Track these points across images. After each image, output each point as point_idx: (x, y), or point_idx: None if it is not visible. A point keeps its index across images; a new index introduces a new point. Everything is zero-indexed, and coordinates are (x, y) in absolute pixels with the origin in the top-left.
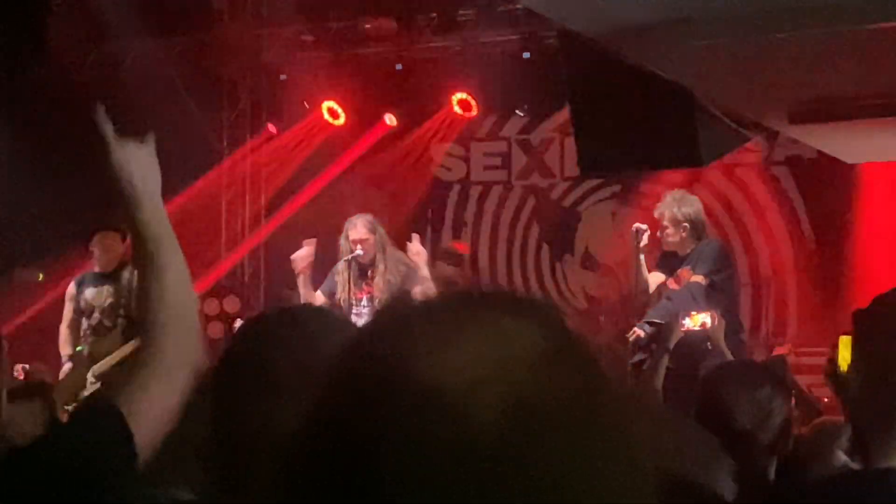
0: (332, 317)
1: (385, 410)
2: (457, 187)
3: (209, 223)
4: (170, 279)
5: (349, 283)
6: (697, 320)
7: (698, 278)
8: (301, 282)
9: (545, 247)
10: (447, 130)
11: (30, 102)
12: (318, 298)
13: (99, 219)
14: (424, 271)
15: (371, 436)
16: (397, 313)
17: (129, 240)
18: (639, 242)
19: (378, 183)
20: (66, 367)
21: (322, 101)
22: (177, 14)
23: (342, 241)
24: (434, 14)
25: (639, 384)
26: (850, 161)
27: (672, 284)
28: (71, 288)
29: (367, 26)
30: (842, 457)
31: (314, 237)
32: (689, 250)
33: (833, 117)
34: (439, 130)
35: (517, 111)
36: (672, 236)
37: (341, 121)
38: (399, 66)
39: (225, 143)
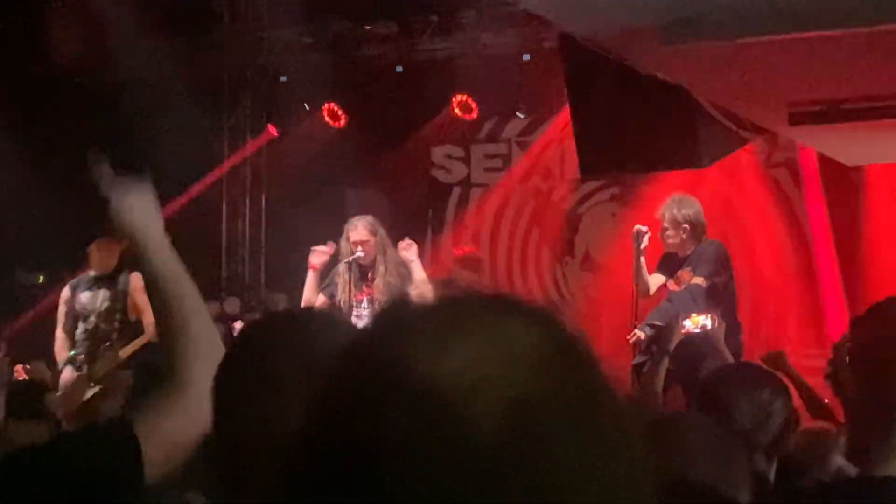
0: (334, 319)
1: (385, 413)
2: (457, 189)
3: (210, 225)
4: (187, 310)
5: (349, 284)
6: (697, 322)
7: (698, 280)
8: (309, 278)
9: (545, 249)
10: (447, 132)
11: (30, 104)
12: (319, 300)
13: (96, 226)
14: (420, 273)
15: (372, 438)
16: (396, 316)
17: (124, 244)
18: (639, 244)
19: (378, 185)
20: (66, 371)
21: (322, 104)
22: (177, 16)
23: (342, 242)
24: (434, 16)
25: (639, 386)
26: (850, 163)
27: (672, 286)
28: (65, 292)
29: (368, 28)
30: (839, 460)
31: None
32: (689, 252)
33: (833, 120)
34: (439, 132)
35: (517, 113)
36: (672, 238)
37: (342, 123)
38: (399, 68)
39: (225, 145)
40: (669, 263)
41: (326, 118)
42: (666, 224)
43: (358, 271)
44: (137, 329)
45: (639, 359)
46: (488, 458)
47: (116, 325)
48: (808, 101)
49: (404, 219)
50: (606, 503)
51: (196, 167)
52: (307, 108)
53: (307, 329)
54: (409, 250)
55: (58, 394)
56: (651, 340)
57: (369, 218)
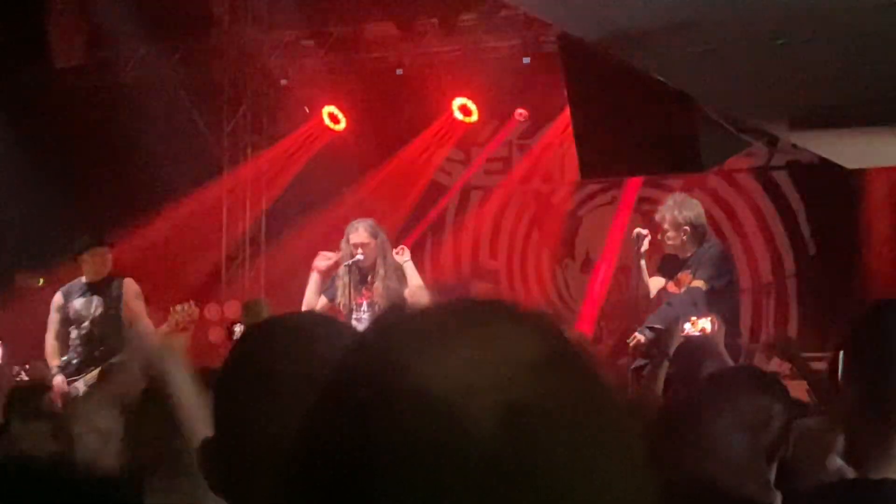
0: (334, 324)
1: (382, 418)
2: (457, 191)
3: (210, 227)
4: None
5: (349, 287)
6: (698, 325)
7: (699, 283)
8: (312, 281)
9: (546, 251)
10: (448, 135)
11: (31, 108)
12: (320, 302)
13: (88, 235)
14: (416, 279)
15: (369, 443)
16: (393, 321)
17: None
18: (639, 247)
19: (379, 188)
20: (58, 377)
21: (323, 107)
22: (177, 20)
23: (343, 244)
24: (435, 19)
25: (639, 389)
26: (850, 166)
27: (672, 288)
28: (57, 298)
29: (368, 32)
30: (837, 461)
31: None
32: (689, 254)
33: (834, 123)
34: (440, 135)
35: (517, 116)
36: (673, 240)
37: (342, 126)
38: (400, 71)
39: (226, 148)
40: (670, 265)
41: (326, 121)
42: (666, 226)
43: (358, 274)
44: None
45: (638, 362)
46: (486, 464)
47: (111, 331)
48: (809, 105)
49: (405, 222)
50: None
51: (196, 170)
52: (307, 111)
53: (307, 333)
54: (402, 255)
55: (73, 409)
56: (651, 343)
57: (370, 221)
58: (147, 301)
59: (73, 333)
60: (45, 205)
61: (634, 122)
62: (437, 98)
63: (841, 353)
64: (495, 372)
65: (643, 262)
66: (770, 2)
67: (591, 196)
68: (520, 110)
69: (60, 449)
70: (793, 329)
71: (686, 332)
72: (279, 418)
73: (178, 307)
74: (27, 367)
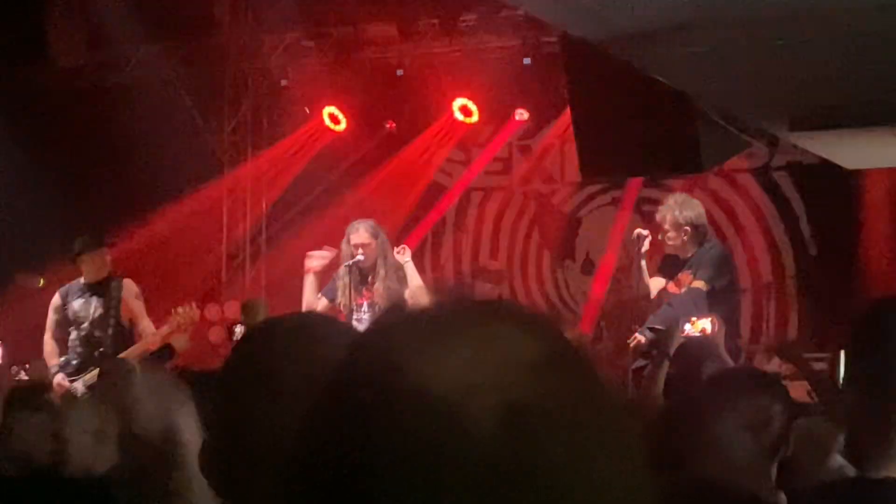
0: (334, 324)
1: (383, 419)
2: (458, 192)
3: (211, 228)
4: None
5: (350, 288)
6: (698, 326)
7: (699, 284)
8: (307, 282)
9: (546, 252)
10: (448, 135)
11: (31, 108)
12: (321, 303)
13: (87, 236)
14: (416, 279)
15: (369, 444)
16: (393, 321)
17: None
18: (640, 248)
19: (379, 188)
20: (57, 377)
21: (323, 107)
22: (178, 20)
23: (344, 245)
24: (435, 20)
25: (639, 390)
26: (850, 167)
27: (672, 288)
28: (56, 299)
29: (368, 32)
30: (839, 460)
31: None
32: (690, 254)
33: (834, 124)
34: (440, 136)
35: (518, 116)
36: (673, 240)
37: (342, 127)
38: (400, 72)
39: (226, 149)
40: (670, 265)
41: (327, 122)
42: (667, 226)
43: (358, 275)
44: (131, 335)
45: (639, 362)
46: (487, 464)
47: (110, 331)
48: (809, 106)
49: (405, 222)
50: None
51: (197, 170)
52: (308, 111)
53: (308, 334)
54: (403, 255)
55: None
56: (651, 344)
57: (371, 221)
58: (147, 301)
59: (73, 334)
60: (45, 205)
61: (635, 122)
62: (438, 99)
63: (842, 352)
64: (495, 372)
65: (643, 263)
66: (770, 2)
67: (592, 197)
68: (520, 111)
69: (61, 449)
70: (793, 329)
71: (686, 332)
72: (280, 419)
73: (180, 309)
74: (27, 366)
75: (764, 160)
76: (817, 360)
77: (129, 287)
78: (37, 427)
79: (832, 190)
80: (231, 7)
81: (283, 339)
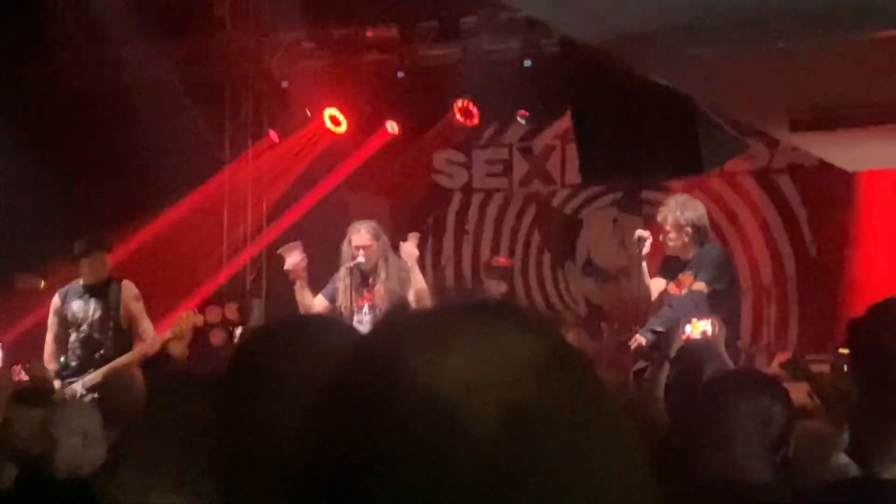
0: (337, 326)
1: (385, 421)
2: (458, 194)
3: (211, 230)
4: None
5: (350, 289)
6: (699, 328)
7: (700, 286)
8: (298, 288)
9: (546, 254)
10: (449, 138)
11: (31, 109)
12: (319, 303)
13: (86, 238)
14: (420, 282)
15: (371, 446)
16: (395, 324)
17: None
18: (641, 249)
19: (380, 190)
20: (55, 382)
21: (324, 109)
22: (179, 21)
23: (344, 246)
24: (436, 22)
25: (640, 392)
26: (849, 168)
27: (673, 289)
28: (56, 301)
29: (369, 34)
30: (842, 460)
31: (298, 242)
32: (691, 255)
33: (834, 125)
34: (441, 138)
35: (518, 118)
36: (674, 241)
37: (343, 128)
38: (401, 74)
39: (227, 150)
40: (671, 267)
41: (328, 123)
42: (668, 227)
43: (359, 276)
44: (130, 337)
45: (640, 364)
46: (489, 465)
47: (110, 333)
48: (809, 107)
49: (405, 224)
50: None
51: (197, 172)
52: (308, 113)
53: (310, 335)
54: (410, 258)
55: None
56: (652, 346)
57: (372, 223)
58: (147, 303)
59: (72, 336)
60: (45, 206)
61: (635, 124)
62: (438, 101)
63: (843, 353)
64: (496, 374)
65: (644, 265)
66: (771, 4)
67: (592, 198)
68: (521, 113)
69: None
70: (793, 331)
71: (687, 334)
72: (283, 420)
73: (183, 314)
74: (27, 367)
75: (764, 162)
76: (818, 361)
77: (129, 289)
78: (39, 427)
79: (832, 191)
80: (232, 8)
81: (285, 341)
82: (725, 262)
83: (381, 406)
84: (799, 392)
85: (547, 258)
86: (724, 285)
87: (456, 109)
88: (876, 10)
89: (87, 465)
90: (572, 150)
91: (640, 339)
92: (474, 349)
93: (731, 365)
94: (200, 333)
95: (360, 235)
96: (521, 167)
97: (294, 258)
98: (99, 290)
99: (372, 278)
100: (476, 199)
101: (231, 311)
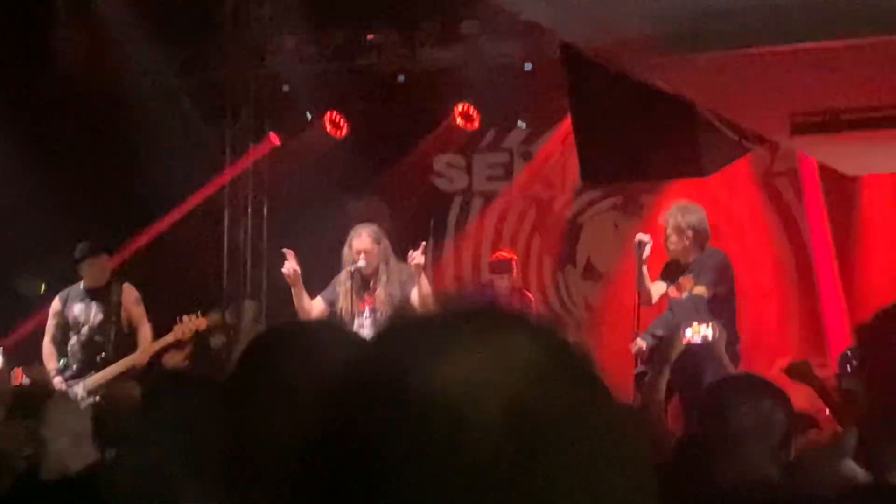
0: (340, 331)
1: (390, 426)
2: (458, 198)
3: (211, 233)
4: None
5: (351, 293)
6: (699, 332)
7: (700, 290)
8: (295, 293)
9: (547, 258)
10: (449, 141)
11: (32, 114)
12: (318, 306)
13: (88, 242)
14: (426, 287)
15: (376, 451)
16: (400, 329)
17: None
18: (641, 253)
19: (380, 193)
20: (56, 381)
21: (324, 112)
22: (179, 24)
23: (345, 249)
24: (437, 26)
25: (641, 396)
26: (850, 173)
27: (673, 293)
28: (56, 303)
29: (370, 37)
30: (851, 466)
31: (291, 249)
32: (691, 259)
33: (835, 129)
34: (441, 141)
35: (519, 122)
36: (675, 245)
37: (343, 132)
38: (401, 78)
39: (227, 154)
40: (672, 271)
41: (328, 127)
42: (669, 231)
43: (360, 280)
44: (131, 340)
45: (640, 368)
46: (492, 470)
47: (111, 336)
48: (810, 111)
49: (405, 227)
50: None
51: (198, 176)
52: (309, 117)
53: (315, 340)
54: (418, 254)
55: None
56: (653, 350)
57: (373, 227)
58: (147, 306)
59: (73, 339)
60: (46, 210)
61: (636, 128)
62: (439, 105)
63: (846, 355)
64: (502, 379)
65: (645, 269)
66: (771, 7)
67: (593, 202)
68: (521, 118)
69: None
70: (794, 335)
71: (687, 338)
72: (288, 424)
73: (185, 317)
74: (28, 370)
75: (765, 166)
76: (820, 366)
77: (130, 292)
78: (38, 429)
79: (833, 195)
80: (233, 13)
81: (290, 345)
82: (726, 266)
83: (385, 411)
84: (801, 396)
85: (547, 262)
86: (725, 289)
87: (456, 113)
88: (879, 14)
89: (77, 465)
90: (573, 155)
91: (640, 343)
92: (479, 353)
93: (731, 369)
94: (201, 337)
95: (361, 239)
96: (521, 171)
97: (289, 266)
98: (100, 293)
99: (373, 282)
100: (476, 203)
101: (231, 314)
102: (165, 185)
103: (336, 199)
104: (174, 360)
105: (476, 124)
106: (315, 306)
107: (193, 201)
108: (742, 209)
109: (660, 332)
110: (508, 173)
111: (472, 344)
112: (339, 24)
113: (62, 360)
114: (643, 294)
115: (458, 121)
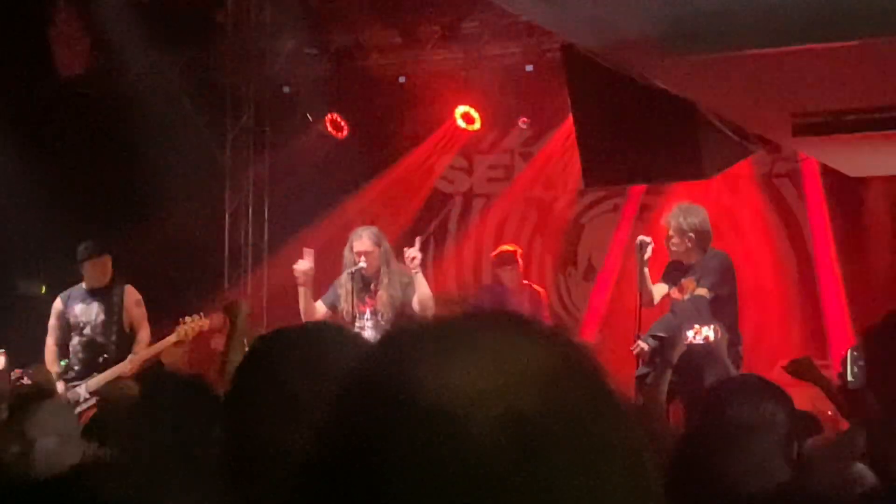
0: (344, 333)
1: (394, 429)
2: (459, 199)
3: (213, 235)
4: None
5: (352, 295)
6: (701, 333)
7: (702, 291)
8: (302, 293)
9: (548, 259)
10: (450, 143)
11: (34, 116)
12: (320, 309)
13: (89, 243)
14: (425, 289)
15: (380, 455)
16: (403, 333)
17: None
18: (643, 255)
19: (381, 195)
20: (59, 385)
21: (325, 114)
22: (181, 27)
23: (346, 252)
24: (437, 27)
25: (643, 397)
26: (853, 174)
27: (675, 294)
28: (57, 304)
29: (371, 39)
30: (858, 467)
31: (312, 248)
32: (693, 260)
33: (836, 131)
34: (442, 143)
35: (520, 124)
36: (678, 246)
37: (345, 133)
38: (402, 79)
39: (228, 156)
40: (674, 272)
41: (329, 129)
42: (671, 232)
43: (361, 282)
44: (132, 341)
45: (642, 370)
46: (496, 474)
47: (113, 337)
48: (812, 112)
49: (407, 229)
50: None
51: (198, 178)
52: (310, 118)
53: (318, 342)
54: (413, 262)
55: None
56: (655, 352)
57: (374, 229)
58: (148, 307)
59: (74, 340)
60: (48, 211)
61: (637, 129)
62: (440, 106)
63: (847, 356)
64: (506, 382)
65: (646, 270)
66: (772, 9)
67: (594, 204)
68: (522, 119)
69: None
70: (796, 336)
71: (689, 340)
72: (293, 427)
73: (188, 318)
74: (29, 371)
75: (766, 167)
76: (823, 366)
77: (131, 294)
78: (39, 430)
79: (835, 197)
80: (234, 14)
81: (294, 348)
82: (728, 267)
83: (389, 416)
84: (804, 398)
85: (549, 263)
86: (727, 291)
87: (457, 114)
88: (880, 15)
89: (63, 465)
90: (574, 155)
91: (642, 345)
92: (484, 358)
93: (733, 370)
94: (202, 338)
95: (362, 241)
96: (522, 172)
97: (304, 265)
98: (102, 294)
99: (374, 284)
100: (477, 204)
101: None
102: (166, 186)
103: (337, 200)
104: (174, 357)
105: (477, 125)
106: (318, 310)
107: (195, 203)
108: (744, 210)
109: (662, 334)
110: (509, 174)
111: (477, 348)
112: (341, 26)
113: (64, 361)
114: (645, 295)
115: (459, 122)
